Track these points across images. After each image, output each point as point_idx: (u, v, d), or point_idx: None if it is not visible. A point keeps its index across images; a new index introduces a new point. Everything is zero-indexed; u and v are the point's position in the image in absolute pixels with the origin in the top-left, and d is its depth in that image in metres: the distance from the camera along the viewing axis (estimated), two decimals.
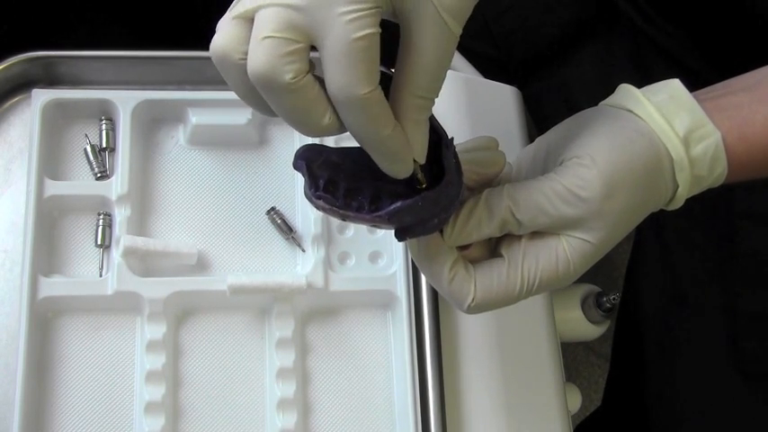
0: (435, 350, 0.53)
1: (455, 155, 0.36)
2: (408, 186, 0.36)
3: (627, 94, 0.40)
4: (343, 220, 0.35)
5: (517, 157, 0.41)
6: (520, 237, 0.38)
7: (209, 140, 0.58)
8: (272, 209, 0.57)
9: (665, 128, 0.38)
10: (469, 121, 0.62)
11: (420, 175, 0.35)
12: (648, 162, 0.38)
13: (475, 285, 0.37)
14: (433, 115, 0.36)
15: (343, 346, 0.55)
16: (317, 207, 0.35)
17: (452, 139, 0.36)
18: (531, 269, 0.38)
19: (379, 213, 0.34)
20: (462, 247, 0.39)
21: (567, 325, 0.72)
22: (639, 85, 0.41)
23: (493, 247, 0.40)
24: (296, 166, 0.35)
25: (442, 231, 0.38)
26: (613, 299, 0.71)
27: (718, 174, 0.39)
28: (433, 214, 0.35)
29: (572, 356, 1.22)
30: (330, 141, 0.55)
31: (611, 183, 0.36)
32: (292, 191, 0.58)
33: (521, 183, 0.38)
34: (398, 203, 0.34)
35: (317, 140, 0.55)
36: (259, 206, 0.57)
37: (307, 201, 0.36)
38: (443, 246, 0.38)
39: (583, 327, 0.72)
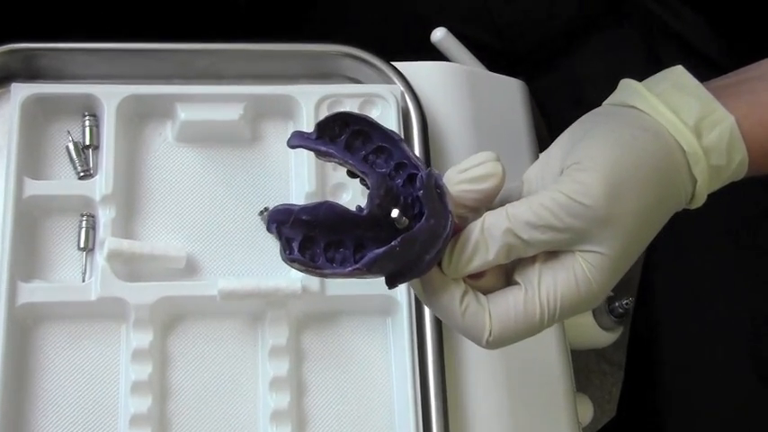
0: (438, 359, 0.53)
1: (437, 185, 0.36)
2: (392, 229, 0.36)
3: (627, 88, 0.39)
4: (324, 277, 0.36)
5: (525, 175, 0.40)
6: (534, 259, 0.37)
7: (199, 137, 0.58)
8: (266, 209, 0.57)
9: (672, 119, 0.37)
10: (473, 117, 0.62)
11: (397, 216, 0.35)
12: (657, 158, 0.37)
13: (490, 317, 0.37)
14: (405, 144, 0.37)
15: (341, 355, 0.55)
16: (297, 269, 0.36)
17: (430, 170, 0.36)
18: (550, 293, 0.37)
19: (356, 266, 0.35)
20: (474, 277, 0.38)
21: (578, 331, 0.71)
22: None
23: (508, 275, 0.39)
24: (269, 230, 0.36)
25: (441, 264, 0.37)
26: (626, 303, 0.70)
27: (738, 162, 0.38)
28: (420, 254, 0.35)
29: (583, 365, 1.21)
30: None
31: (614, 184, 0.36)
32: (286, 190, 0.58)
33: (521, 200, 0.37)
34: (372, 253, 0.34)
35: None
36: (251, 206, 0.57)
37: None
38: (447, 279, 0.37)
39: (594, 333, 0.71)
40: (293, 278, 0.54)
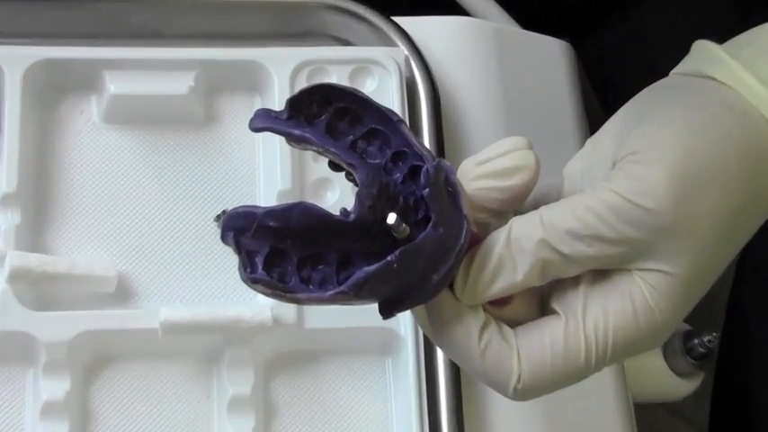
0: (453, 413, 0.53)
1: (448, 181, 0.37)
2: (388, 240, 0.36)
3: (703, 53, 0.40)
4: (299, 303, 0.36)
5: (567, 169, 0.41)
6: (577, 281, 0.38)
7: (135, 117, 0.58)
8: (224, 213, 0.56)
9: (763, 93, 0.37)
10: (501, 90, 0.62)
11: (394, 223, 0.36)
12: (744, 146, 0.37)
13: (519, 358, 0.37)
14: (406, 127, 0.37)
15: (324, 407, 0.55)
16: (262, 293, 0.36)
17: (439, 161, 0.37)
18: (599, 326, 0.37)
19: (341, 289, 0.35)
20: (497, 304, 0.38)
21: (644, 378, 0.71)
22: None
23: (543, 301, 0.39)
24: (224, 240, 0.36)
25: (453, 287, 0.38)
26: (709, 340, 0.70)
27: None
28: (425, 273, 0.36)
29: (650, 423, 1.21)
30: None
31: (685, 181, 0.36)
32: (251, 188, 0.58)
33: (560, 202, 0.37)
34: (362, 271, 0.35)
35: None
36: (204, 209, 0.58)
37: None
38: (461, 306, 0.38)
39: (666, 381, 0.71)
40: (261, 305, 0.54)
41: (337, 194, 0.58)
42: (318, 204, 0.37)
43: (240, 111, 0.61)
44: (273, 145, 0.58)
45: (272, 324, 0.53)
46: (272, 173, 0.58)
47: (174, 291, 0.56)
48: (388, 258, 0.35)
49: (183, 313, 0.53)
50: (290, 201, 0.50)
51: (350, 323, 0.55)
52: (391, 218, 0.36)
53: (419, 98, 0.60)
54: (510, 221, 0.38)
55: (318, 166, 0.59)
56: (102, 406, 0.54)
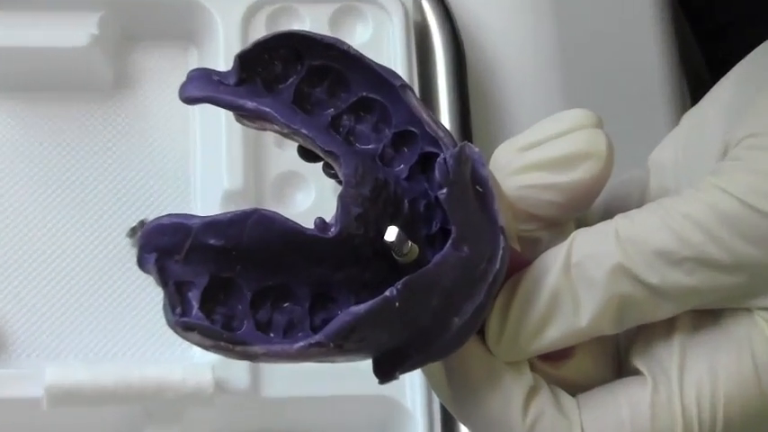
0: None
1: (478, 177, 0.36)
2: (385, 265, 0.37)
3: None
4: (254, 360, 0.36)
5: (654, 157, 0.41)
6: (670, 327, 0.38)
7: (11, 80, 0.59)
8: (142, 224, 0.58)
9: None
10: (558, 39, 0.61)
11: (396, 240, 0.36)
12: None
13: None
14: (413, 94, 0.37)
15: None
16: (199, 345, 0.35)
17: (463, 146, 0.36)
18: (704, 393, 0.37)
19: (316, 339, 0.35)
20: (551, 360, 0.39)
21: None
22: None
23: (618, 355, 0.40)
24: (142, 264, 0.36)
25: (484, 334, 0.38)
26: None
27: None
28: (441, 315, 0.36)
29: None
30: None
31: None
32: (183, 185, 0.58)
33: (645, 208, 0.37)
34: (348, 313, 0.35)
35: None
36: (115, 220, 0.58)
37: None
38: (497, 363, 0.38)
39: None
40: (197, 364, 0.54)
41: (311, 197, 0.57)
42: (283, 213, 0.36)
43: (167, 72, 0.60)
44: (217, 123, 0.57)
45: (212, 391, 0.53)
46: (215, 164, 0.57)
47: (67, 343, 0.56)
48: (387, 293, 0.34)
49: (80, 375, 0.52)
50: (241, 207, 0.45)
51: (330, 390, 0.54)
52: (391, 233, 0.36)
53: (434, 53, 0.58)
54: (570, 237, 0.37)
55: (284, 153, 0.57)
56: None
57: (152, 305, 0.57)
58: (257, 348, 0.35)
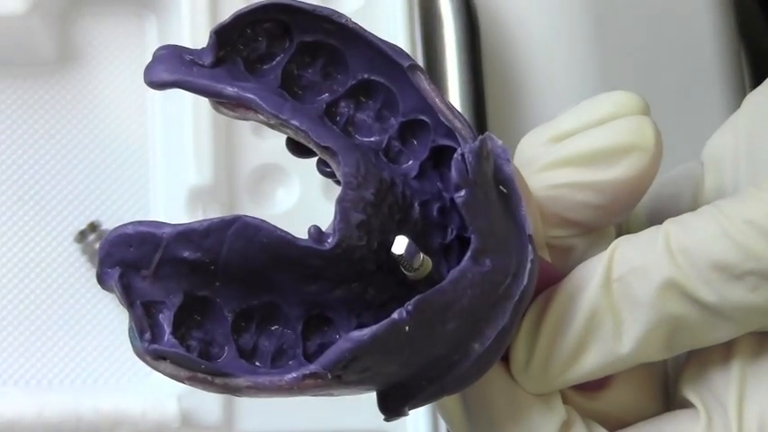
0: None
1: (498, 174, 0.36)
2: (391, 281, 0.36)
3: None
4: (236, 394, 0.35)
5: (709, 149, 0.41)
6: (727, 354, 0.38)
7: None
8: (93, 228, 0.56)
9: None
10: (594, 9, 0.59)
11: (405, 252, 0.35)
12: None
13: None
14: (423, 75, 0.36)
15: None
16: (171, 376, 0.34)
17: (484, 138, 0.36)
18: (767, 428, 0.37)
19: (310, 369, 0.34)
20: (588, 390, 0.38)
21: None
22: None
23: (665, 385, 0.40)
24: (103, 281, 0.35)
25: (509, 360, 0.38)
26: None
27: None
28: (458, 341, 0.36)
29: None
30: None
31: None
32: (142, 181, 0.57)
33: (701, 211, 0.37)
34: (348, 339, 0.34)
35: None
36: (60, 220, 0.56)
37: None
38: (524, 395, 0.37)
39: None
40: (160, 393, 0.53)
41: (295, 195, 0.57)
42: (261, 213, 0.39)
43: (120, 43, 0.58)
44: (181, 104, 0.56)
45: (178, 425, 0.52)
46: (179, 154, 0.56)
47: (5, 368, 0.55)
48: (395, 316, 0.33)
49: (21, 406, 0.52)
50: (210, 205, 0.52)
51: (316, 425, 0.54)
52: (400, 244, 0.35)
53: (441, 23, 0.57)
54: (611, 246, 0.37)
55: (263, 143, 0.57)
56: None
57: (107, 323, 0.55)
58: (241, 381, 0.34)
